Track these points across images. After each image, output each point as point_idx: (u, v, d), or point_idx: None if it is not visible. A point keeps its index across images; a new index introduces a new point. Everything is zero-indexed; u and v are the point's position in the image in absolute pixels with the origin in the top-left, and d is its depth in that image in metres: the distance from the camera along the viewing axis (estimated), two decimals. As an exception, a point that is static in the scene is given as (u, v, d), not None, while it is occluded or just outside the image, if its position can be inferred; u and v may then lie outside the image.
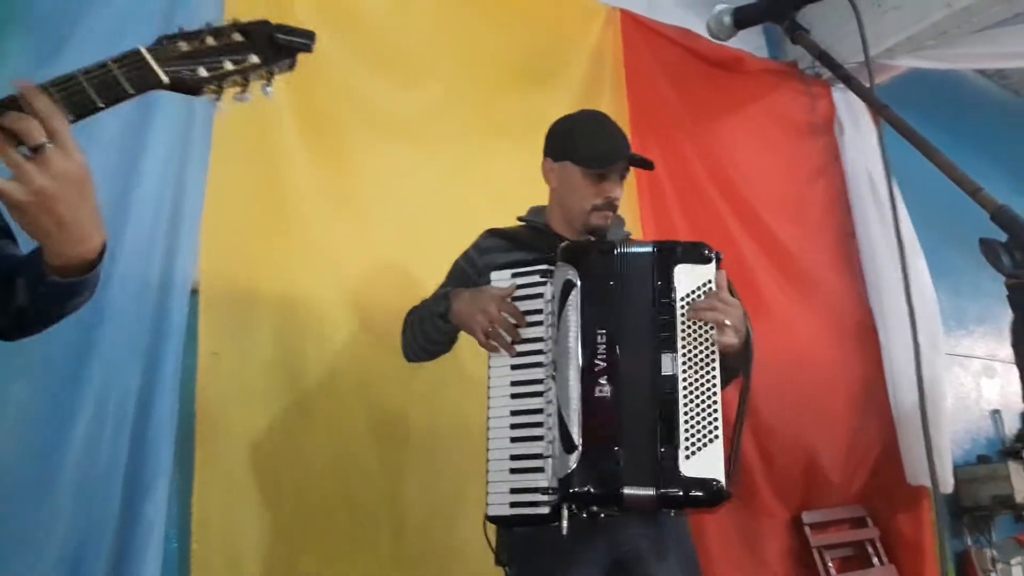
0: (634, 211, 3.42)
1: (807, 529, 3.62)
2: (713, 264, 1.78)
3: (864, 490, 3.90)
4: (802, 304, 3.89)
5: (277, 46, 1.15)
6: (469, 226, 2.42)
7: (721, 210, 3.76)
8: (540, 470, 1.73)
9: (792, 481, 3.63)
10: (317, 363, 2.47)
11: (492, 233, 2.05)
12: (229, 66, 1.13)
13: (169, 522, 2.06)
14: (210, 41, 1.12)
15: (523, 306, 1.82)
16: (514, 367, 1.81)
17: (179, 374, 2.13)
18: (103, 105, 1.07)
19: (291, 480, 2.32)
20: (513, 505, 1.74)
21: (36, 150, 1.02)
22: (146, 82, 1.09)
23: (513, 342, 1.80)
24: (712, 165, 3.79)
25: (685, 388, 1.70)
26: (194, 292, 2.24)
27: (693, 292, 1.75)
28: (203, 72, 1.12)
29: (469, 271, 2.02)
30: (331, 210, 2.60)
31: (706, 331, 1.72)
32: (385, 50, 2.85)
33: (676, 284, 1.75)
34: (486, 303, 1.82)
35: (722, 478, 1.66)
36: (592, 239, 1.97)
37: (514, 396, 1.80)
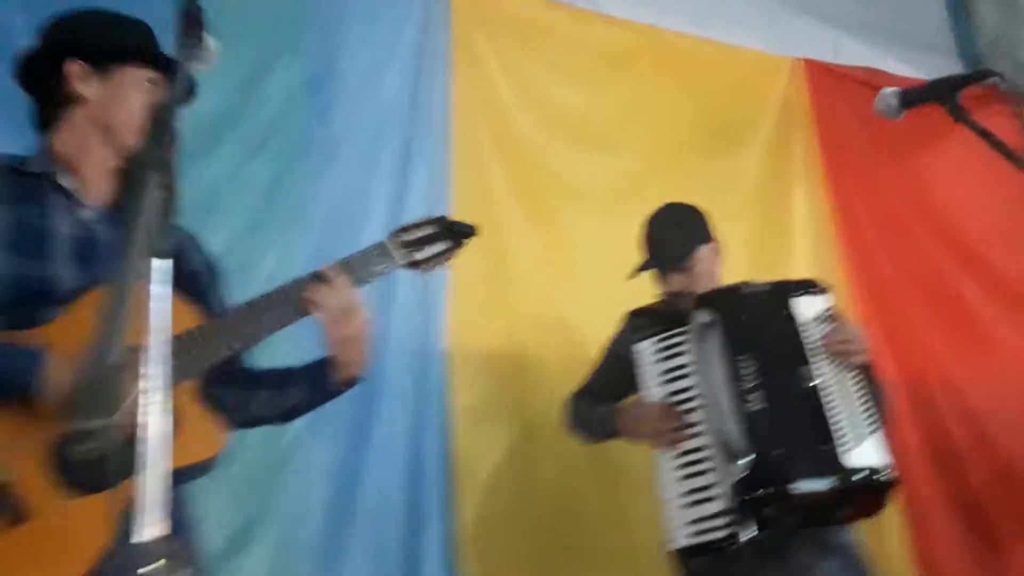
0: (833, 257, 3.51)
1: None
2: (828, 295, 2.07)
3: None
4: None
5: (454, 234, 1.66)
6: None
7: (929, 247, 3.69)
8: (712, 499, 1.92)
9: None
10: (545, 410, 2.73)
11: (635, 314, 2.33)
12: (431, 251, 1.64)
13: (440, 549, 2.44)
14: (418, 233, 1.64)
15: (671, 363, 2.08)
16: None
17: (440, 425, 2.55)
18: (369, 280, 1.58)
19: (533, 511, 2.66)
20: (695, 535, 1.93)
21: (347, 310, 1.52)
22: (391, 264, 1.61)
23: (678, 431, 2.02)
24: (916, 201, 3.74)
25: (832, 395, 1.93)
26: (445, 357, 2.65)
27: (815, 319, 2.01)
28: (418, 256, 1.63)
29: (621, 351, 2.28)
30: (549, 275, 2.93)
31: (842, 354, 1.97)
32: (585, 131, 3.17)
33: (798, 312, 2.02)
34: (647, 415, 2.08)
35: (883, 465, 1.87)
36: (722, 287, 2.21)
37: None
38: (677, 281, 2.21)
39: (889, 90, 1.74)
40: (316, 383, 1.59)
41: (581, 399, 2.35)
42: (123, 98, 1.51)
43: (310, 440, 2.21)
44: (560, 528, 2.67)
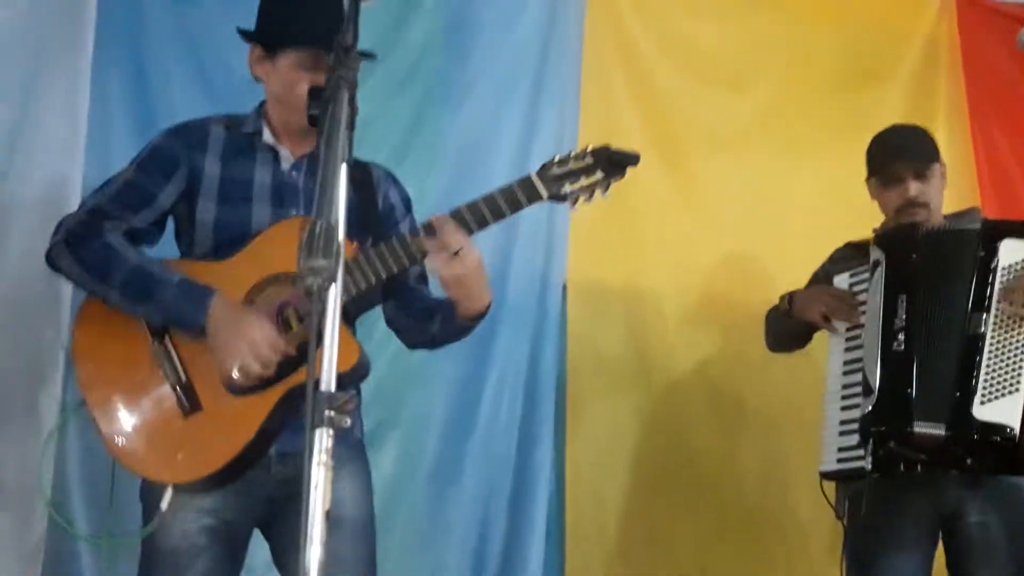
0: (976, 201, 3.38)
1: None
2: None
3: None
4: None
5: (614, 163, 1.63)
6: (797, 224, 2.70)
7: None
8: (855, 431, 2.00)
9: None
10: (659, 343, 2.90)
11: (847, 245, 2.29)
12: (583, 181, 1.63)
13: (549, 468, 2.65)
14: (572, 164, 1.63)
15: (858, 299, 2.10)
16: (847, 349, 2.11)
17: (556, 352, 2.71)
18: (509, 213, 1.63)
19: (642, 440, 2.80)
20: (840, 461, 2.04)
21: (456, 253, 1.59)
22: (534, 197, 1.63)
23: (850, 314, 2.07)
24: None
25: (992, 345, 1.90)
26: (564, 287, 2.80)
27: (1016, 264, 1.94)
28: (567, 188, 1.63)
29: (821, 278, 2.30)
30: (674, 214, 2.99)
31: (1015, 300, 1.90)
32: (716, 67, 3.15)
33: (1000, 255, 1.95)
34: (820, 292, 2.17)
35: (1016, 425, 1.84)
36: (901, 224, 2.14)
37: (846, 373, 2.10)
38: (916, 188, 2.13)
39: None
40: (446, 316, 1.75)
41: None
42: (281, 80, 1.73)
43: (437, 356, 2.38)
44: (669, 459, 2.81)
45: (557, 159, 1.64)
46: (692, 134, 3.09)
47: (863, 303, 2.08)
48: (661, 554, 2.76)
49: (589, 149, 1.64)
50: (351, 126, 1.08)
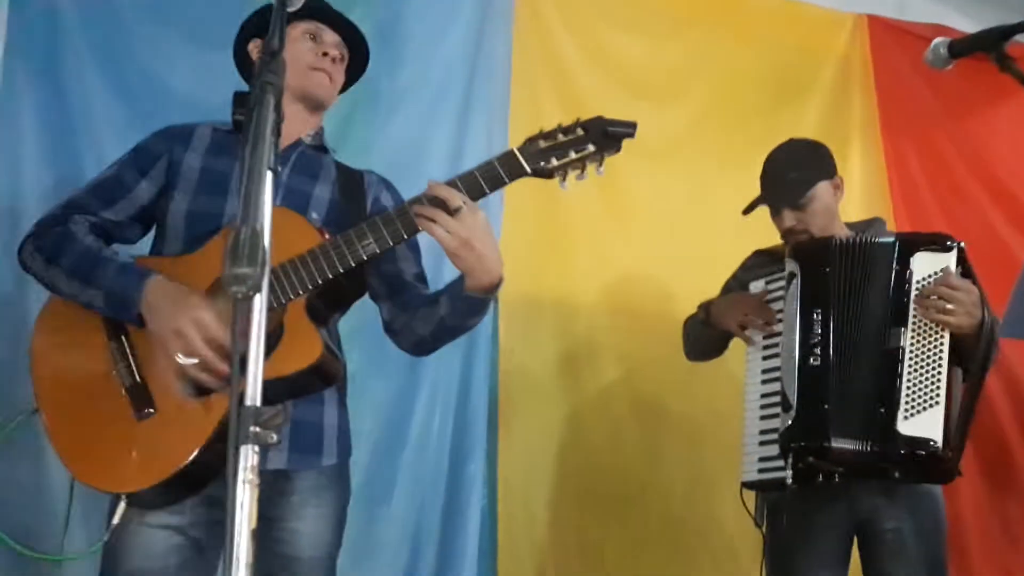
0: (886, 214, 3.51)
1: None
2: (953, 253, 1.98)
3: None
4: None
5: (608, 136, 1.53)
6: (722, 237, 2.74)
7: (986, 208, 3.65)
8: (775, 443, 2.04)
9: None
10: (588, 355, 2.94)
11: (758, 253, 2.33)
12: (572, 155, 1.53)
13: (481, 483, 2.64)
14: (561, 137, 1.53)
15: (775, 307, 2.14)
16: (764, 358, 2.15)
17: (488, 367, 2.71)
18: (489, 191, 1.53)
19: (572, 452, 2.82)
20: (760, 471, 2.07)
21: (455, 212, 1.50)
22: (516, 173, 1.53)
23: (766, 323, 2.11)
24: (975, 161, 3.70)
25: (911, 359, 1.93)
26: (496, 302, 2.74)
27: (929, 276, 1.97)
28: (554, 162, 1.53)
29: (735, 286, 2.34)
30: (602, 227, 3.03)
31: (936, 311, 1.93)
32: (641, 82, 3.21)
33: (913, 268, 1.98)
34: (737, 301, 2.20)
35: (939, 439, 1.87)
36: (814, 237, 2.18)
37: (764, 382, 2.14)
38: (791, 218, 2.16)
39: (939, 40, 1.73)
40: (454, 293, 1.61)
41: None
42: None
43: (367, 376, 2.39)
44: (598, 472, 2.83)
45: (543, 132, 1.54)
46: (622, 148, 3.11)
47: (779, 311, 2.11)
48: (592, 565, 2.77)
49: (580, 121, 1.54)
50: (276, 132, 1.06)
